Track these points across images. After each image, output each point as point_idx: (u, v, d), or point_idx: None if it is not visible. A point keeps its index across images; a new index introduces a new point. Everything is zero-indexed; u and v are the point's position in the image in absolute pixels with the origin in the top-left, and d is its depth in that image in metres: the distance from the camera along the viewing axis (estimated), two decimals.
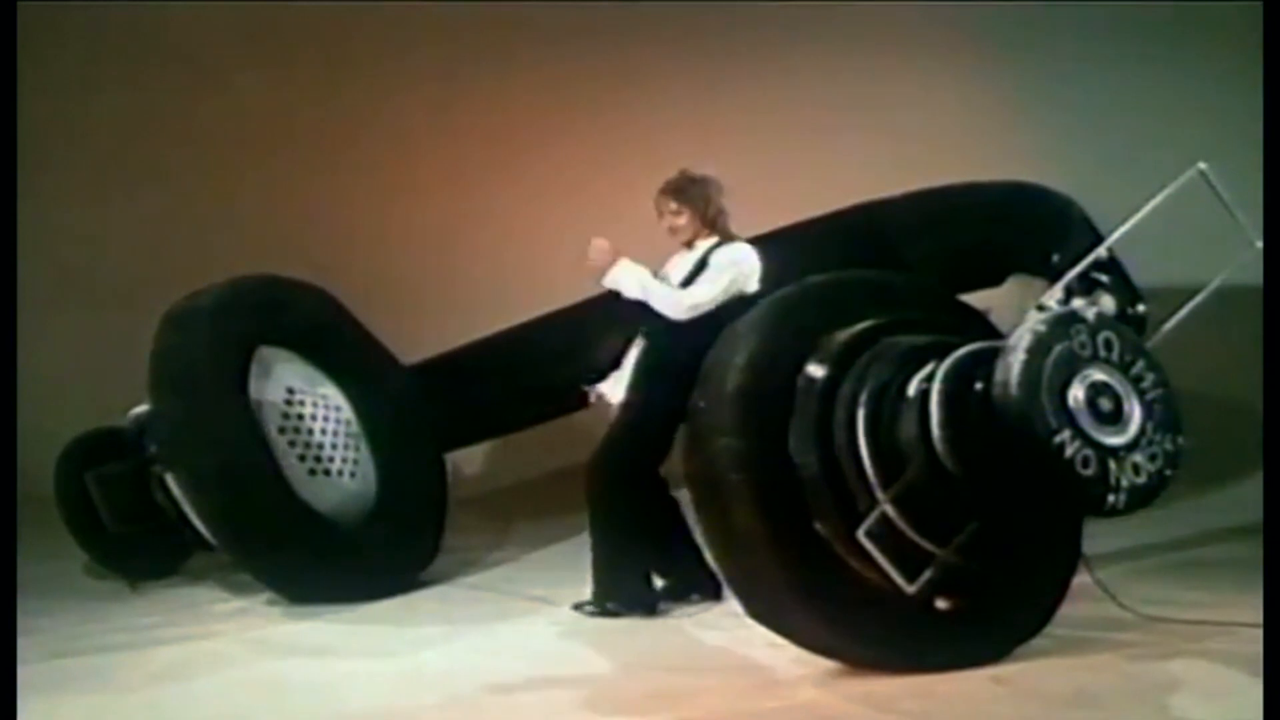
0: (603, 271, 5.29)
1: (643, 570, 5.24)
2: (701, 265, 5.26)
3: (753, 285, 5.20)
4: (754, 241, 5.39)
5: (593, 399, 5.47)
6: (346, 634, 5.31)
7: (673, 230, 5.35)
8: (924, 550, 4.02)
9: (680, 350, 4.92)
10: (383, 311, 6.89)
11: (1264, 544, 4.32)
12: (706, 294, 5.16)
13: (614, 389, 5.39)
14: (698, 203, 5.31)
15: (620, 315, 5.47)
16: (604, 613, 5.17)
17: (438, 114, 9.06)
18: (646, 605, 5.20)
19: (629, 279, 5.25)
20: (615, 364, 5.44)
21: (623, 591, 5.19)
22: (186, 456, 5.74)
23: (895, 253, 6.19)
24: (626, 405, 5.31)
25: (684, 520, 5.10)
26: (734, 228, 5.35)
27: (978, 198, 6.65)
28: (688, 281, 5.24)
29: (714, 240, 5.31)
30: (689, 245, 5.36)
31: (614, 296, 5.37)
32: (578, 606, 5.24)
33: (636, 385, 5.28)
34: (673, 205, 5.33)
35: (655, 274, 5.31)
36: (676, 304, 5.17)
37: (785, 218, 6.69)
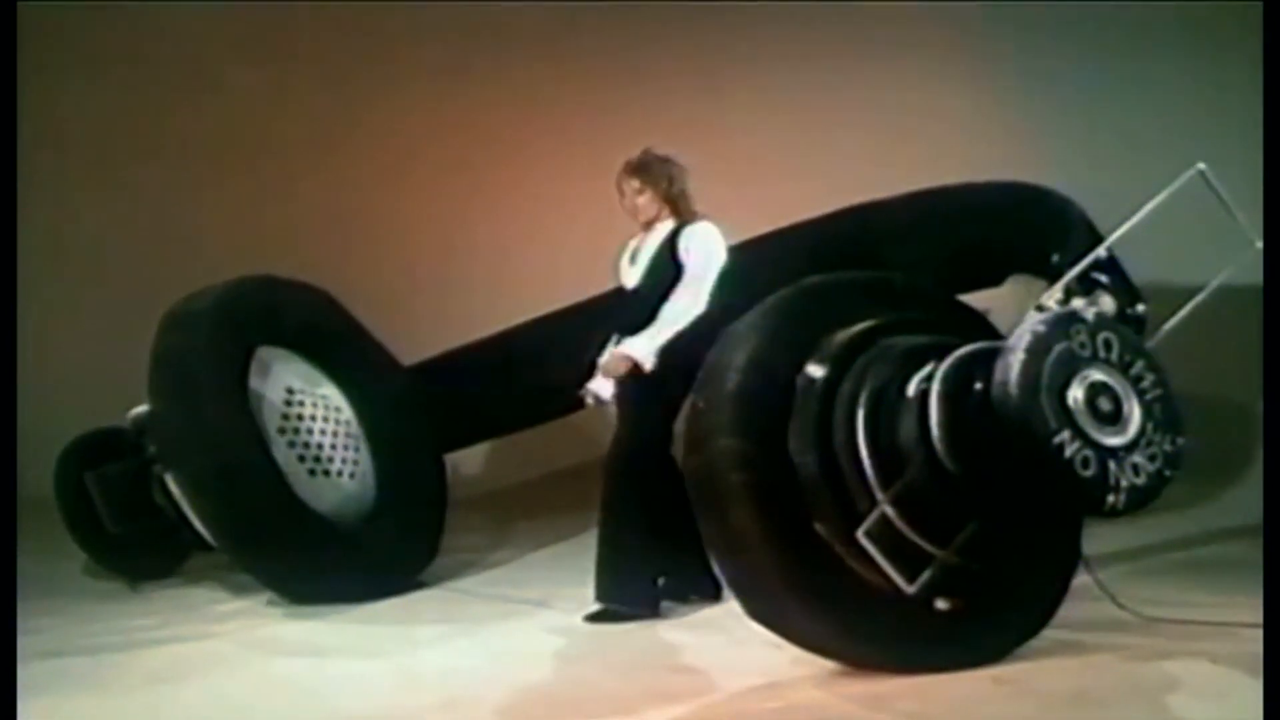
0: (620, 368, 5.23)
1: (648, 571, 5.20)
2: (669, 248, 5.23)
3: (723, 254, 5.23)
4: (752, 244, 5.38)
5: (589, 400, 5.46)
6: (346, 635, 5.31)
7: (633, 210, 5.33)
8: (924, 550, 4.02)
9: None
10: (382, 312, 6.90)
11: (1264, 544, 4.32)
12: (701, 292, 5.16)
13: (603, 386, 5.38)
14: (660, 181, 5.29)
15: (617, 316, 5.46)
16: (609, 617, 5.14)
17: (437, 114, 9.06)
18: (650, 606, 5.18)
19: (642, 348, 5.18)
20: (593, 364, 5.44)
21: (626, 591, 5.15)
22: (186, 457, 5.74)
23: (894, 253, 6.18)
24: (621, 401, 5.31)
25: (691, 518, 5.08)
26: (733, 229, 5.34)
27: (977, 198, 6.65)
28: (657, 265, 5.24)
29: (672, 222, 5.29)
30: (648, 226, 5.34)
31: (615, 298, 5.38)
32: (588, 618, 5.16)
33: (626, 382, 5.28)
34: (635, 184, 5.31)
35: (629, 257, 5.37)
36: (688, 314, 5.15)
37: (785, 219, 6.70)
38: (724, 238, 5.32)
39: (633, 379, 5.20)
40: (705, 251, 5.22)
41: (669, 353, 5.11)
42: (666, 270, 5.24)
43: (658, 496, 5.10)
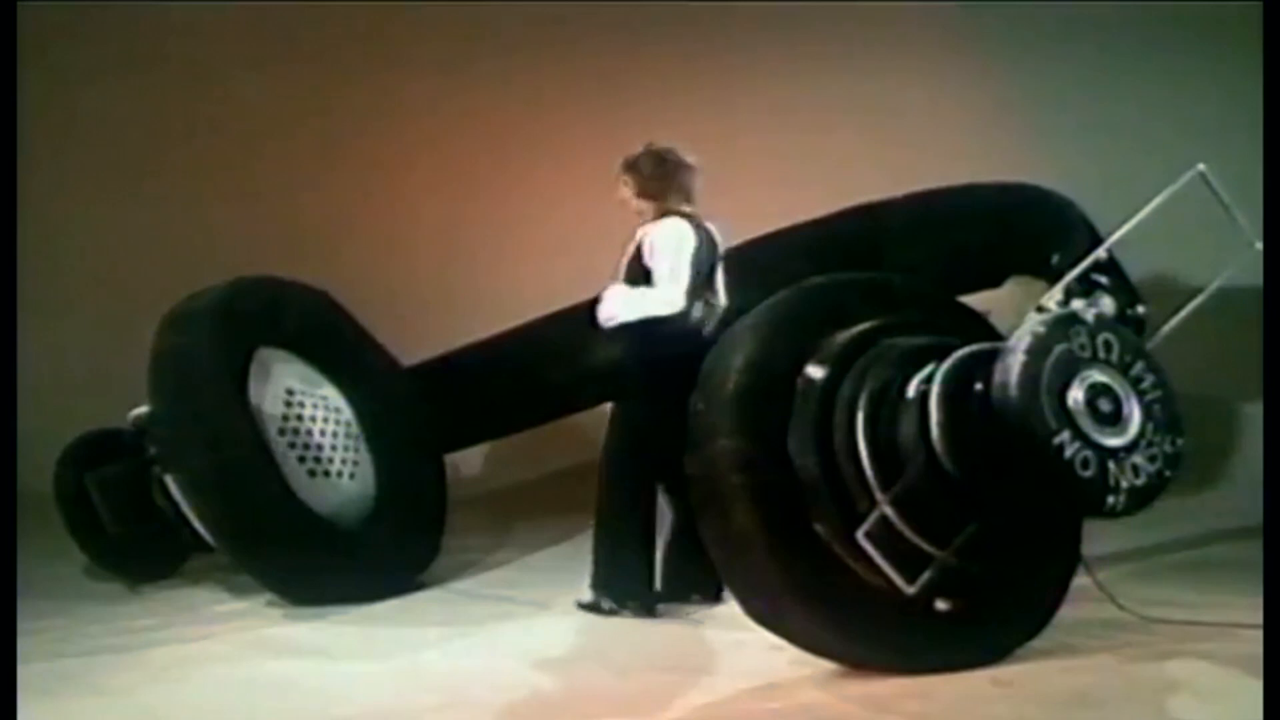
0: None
1: (639, 571, 5.22)
2: (637, 249, 5.25)
3: (688, 247, 5.18)
4: (753, 244, 5.37)
5: None
6: (346, 635, 5.30)
7: (621, 202, 5.36)
8: (923, 551, 4.02)
9: (639, 343, 5.10)
10: (383, 312, 6.90)
11: (1264, 545, 4.33)
12: (674, 293, 5.14)
13: None
14: (639, 175, 5.30)
15: None
16: (595, 608, 5.18)
17: (438, 114, 9.06)
18: (646, 605, 5.19)
19: (611, 305, 5.23)
20: None
21: (615, 587, 5.20)
22: (186, 458, 5.74)
23: (894, 254, 6.19)
24: (613, 405, 5.36)
25: (691, 519, 5.08)
26: (733, 230, 5.33)
27: (977, 199, 6.65)
28: (629, 266, 5.25)
29: (646, 219, 5.29)
30: (640, 221, 5.35)
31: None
32: (581, 605, 5.25)
33: (619, 383, 5.31)
34: (624, 178, 5.34)
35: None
36: (663, 303, 5.15)
37: (786, 219, 6.70)
38: (724, 236, 5.33)
39: (626, 380, 5.22)
40: (666, 250, 5.17)
41: (652, 356, 5.11)
42: (634, 271, 5.26)
43: (649, 499, 5.19)
